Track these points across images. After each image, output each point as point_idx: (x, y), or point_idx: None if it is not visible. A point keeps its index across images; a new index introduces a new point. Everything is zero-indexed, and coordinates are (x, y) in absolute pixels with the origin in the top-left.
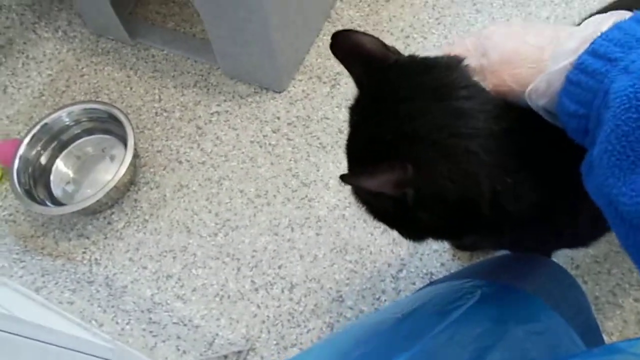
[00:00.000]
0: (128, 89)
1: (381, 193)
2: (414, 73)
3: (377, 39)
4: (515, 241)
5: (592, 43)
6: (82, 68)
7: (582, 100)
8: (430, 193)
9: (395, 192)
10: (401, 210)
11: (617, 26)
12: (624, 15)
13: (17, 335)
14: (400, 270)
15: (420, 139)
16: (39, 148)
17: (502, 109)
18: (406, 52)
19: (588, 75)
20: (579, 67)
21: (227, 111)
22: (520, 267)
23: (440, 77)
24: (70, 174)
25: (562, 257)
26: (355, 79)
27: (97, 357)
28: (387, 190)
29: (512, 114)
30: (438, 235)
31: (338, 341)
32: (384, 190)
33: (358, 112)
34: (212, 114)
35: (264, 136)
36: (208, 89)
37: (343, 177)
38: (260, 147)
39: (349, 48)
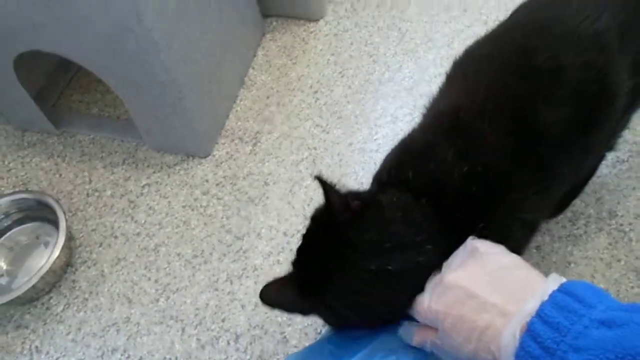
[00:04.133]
0: (57, 176)
1: None
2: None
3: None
4: None
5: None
6: (9, 163)
7: None
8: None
9: None
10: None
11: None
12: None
13: None
14: None
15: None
16: None
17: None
18: (317, 105)
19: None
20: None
21: (157, 182)
22: None
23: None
24: (4, 266)
25: None
26: None
27: None
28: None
29: None
30: None
31: None
32: None
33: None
34: (142, 186)
35: (194, 199)
36: (137, 165)
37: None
38: (192, 210)
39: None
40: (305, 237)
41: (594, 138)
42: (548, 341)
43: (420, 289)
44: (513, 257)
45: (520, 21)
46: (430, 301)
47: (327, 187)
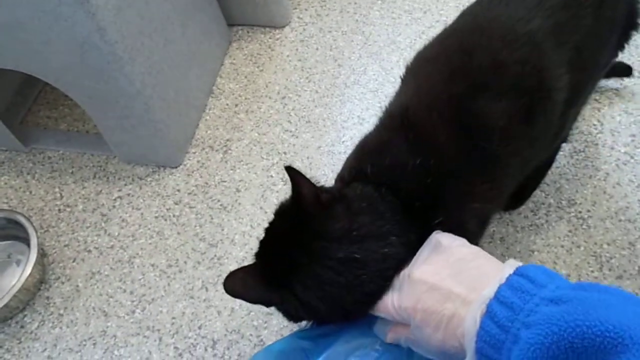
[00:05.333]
0: (27, 193)
1: None
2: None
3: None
4: None
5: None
6: None
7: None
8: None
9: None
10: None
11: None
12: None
13: None
14: None
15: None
16: None
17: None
18: (285, 110)
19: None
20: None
21: (129, 194)
22: None
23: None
24: None
25: None
26: None
27: None
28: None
29: None
30: None
31: None
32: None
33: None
34: (114, 199)
35: (167, 209)
36: (108, 178)
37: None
38: (165, 220)
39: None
40: (268, 230)
41: (537, 129)
42: (503, 320)
43: (387, 280)
44: (473, 249)
45: (461, 24)
46: (400, 299)
47: (299, 179)
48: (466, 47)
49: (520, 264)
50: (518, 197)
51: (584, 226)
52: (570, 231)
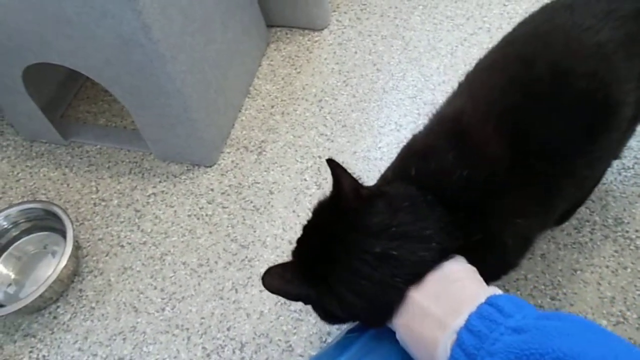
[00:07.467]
0: (65, 185)
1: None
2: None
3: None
4: None
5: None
6: (18, 173)
7: None
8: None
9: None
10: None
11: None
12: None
13: None
14: None
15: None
16: None
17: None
18: (321, 113)
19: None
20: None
21: (163, 191)
22: None
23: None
24: (12, 275)
25: None
26: None
27: None
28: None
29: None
30: None
31: None
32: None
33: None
34: (148, 196)
35: (200, 208)
36: (143, 174)
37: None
38: (198, 219)
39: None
40: (306, 227)
41: (599, 148)
42: (470, 348)
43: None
44: (462, 268)
45: (522, 32)
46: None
47: (340, 172)
48: (526, 56)
49: (500, 292)
50: (562, 213)
51: (631, 247)
52: (616, 251)
